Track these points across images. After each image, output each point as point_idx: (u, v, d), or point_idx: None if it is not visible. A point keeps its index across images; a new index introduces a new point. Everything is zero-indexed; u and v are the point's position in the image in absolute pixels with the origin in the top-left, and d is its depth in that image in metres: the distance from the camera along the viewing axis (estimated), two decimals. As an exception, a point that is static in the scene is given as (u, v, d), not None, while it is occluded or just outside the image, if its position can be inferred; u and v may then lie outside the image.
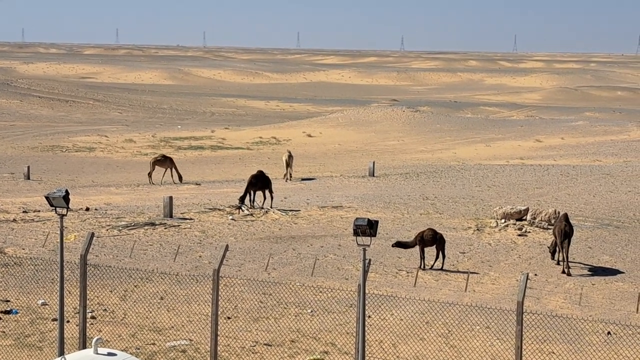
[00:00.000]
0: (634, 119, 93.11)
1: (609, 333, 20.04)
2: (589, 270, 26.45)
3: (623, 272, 26.24)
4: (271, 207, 34.82)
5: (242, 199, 34.90)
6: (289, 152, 50.43)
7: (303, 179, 48.37)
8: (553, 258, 27.25)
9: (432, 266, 26.06)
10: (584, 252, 28.49)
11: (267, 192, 35.70)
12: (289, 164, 49.51)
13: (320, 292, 22.57)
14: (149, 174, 46.67)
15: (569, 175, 48.35)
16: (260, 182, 35.72)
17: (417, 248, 26.32)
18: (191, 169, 54.41)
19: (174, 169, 47.41)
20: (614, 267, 26.85)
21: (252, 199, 35.36)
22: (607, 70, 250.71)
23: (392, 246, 26.65)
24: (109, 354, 11.09)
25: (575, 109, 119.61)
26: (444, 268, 26.00)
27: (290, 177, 49.42)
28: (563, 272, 26.05)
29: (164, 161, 47.86)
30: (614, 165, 53.81)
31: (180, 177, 46.94)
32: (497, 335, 19.70)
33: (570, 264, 26.43)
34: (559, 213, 30.99)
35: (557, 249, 26.95)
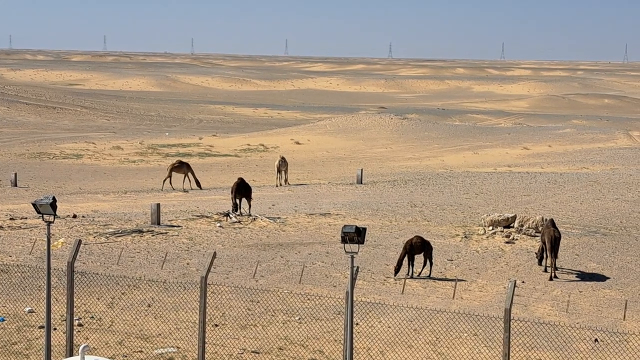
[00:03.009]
0: (621, 126, 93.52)
1: (596, 340, 20.08)
2: (576, 277, 26.51)
3: (610, 280, 26.32)
4: (250, 214, 34.74)
5: (235, 208, 34.98)
6: (282, 158, 50.65)
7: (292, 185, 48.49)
8: (540, 264, 27.35)
9: (420, 273, 26.08)
10: (571, 259, 28.55)
11: (245, 199, 35.67)
12: (280, 170, 49.71)
13: (308, 299, 22.57)
14: (165, 180, 46.67)
15: (556, 182, 48.48)
16: (242, 189, 35.68)
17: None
18: (178, 176, 54.30)
19: (190, 175, 47.33)
20: (601, 274, 26.92)
21: (237, 206, 35.34)
22: (594, 78, 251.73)
23: (395, 274, 25.64)
24: (96, 362, 11.05)
25: (563, 116, 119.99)
26: (431, 275, 26.03)
27: (286, 182, 49.64)
28: (551, 278, 26.20)
29: (181, 167, 47.71)
30: (601, 173, 53.99)
31: (198, 184, 46.77)
32: (485, 343, 19.73)
33: (557, 270, 26.58)
34: (546, 220, 31.09)
35: (545, 255, 27.05)
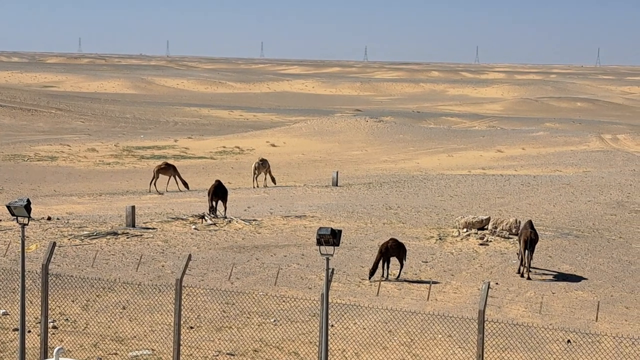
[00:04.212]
0: (594, 129, 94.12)
1: (569, 341, 20.18)
2: (549, 279, 26.64)
3: (583, 281, 26.47)
4: (225, 217, 34.70)
5: (211, 210, 34.95)
6: (261, 160, 50.77)
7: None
8: (519, 271, 27.34)
9: (398, 276, 26.09)
10: (544, 261, 28.70)
11: (221, 202, 35.62)
12: (257, 172, 49.80)
13: (284, 301, 22.55)
14: (151, 182, 46.58)
15: (529, 185, 48.71)
16: (219, 192, 35.63)
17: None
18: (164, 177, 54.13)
19: (177, 177, 47.26)
20: (574, 276, 27.06)
21: (213, 208, 35.29)
22: (567, 81, 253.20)
23: (370, 277, 25.62)
24: (71, 364, 11.00)
25: (536, 119, 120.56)
26: (400, 277, 25.95)
27: (273, 181, 49.75)
28: (522, 276, 26.41)
29: (167, 169, 47.62)
30: (573, 176, 54.30)
31: (185, 184, 46.63)
32: (459, 344, 19.78)
33: (530, 271, 26.73)
34: (519, 222, 31.25)
35: (519, 253, 27.20)
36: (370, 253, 28.09)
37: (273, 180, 50.26)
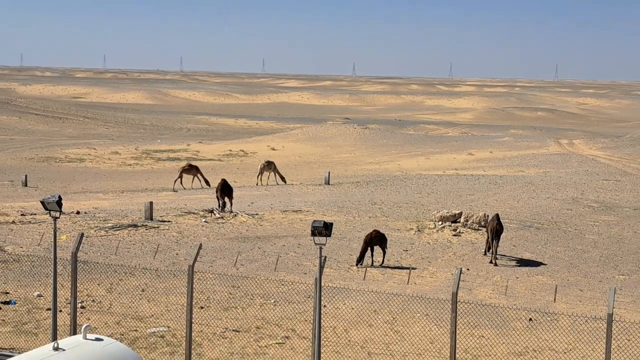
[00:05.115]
0: (552, 135, 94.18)
1: (530, 319, 20.23)
2: (513, 265, 26.70)
3: (542, 267, 26.54)
4: (231, 211, 34.67)
5: (221, 206, 34.97)
6: (266, 162, 50.88)
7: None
8: (486, 254, 27.51)
9: (382, 262, 26.13)
10: (509, 249, 28.76)
11: (227, 198, 35.62)
12: (261, 172, 49.90)
13: (282, 285, 22.57)
14: (176, 181, 46.68)
15: (496, 183, 48.75)
16: (225, 189, 35.63)
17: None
18: (169, 178, 54.10)
19: (200, 175, 47.21)
20: (535, 262, 27.13)
21: (222, 204, 35.27)
22: (529, 93, 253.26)
23: (357, 264, 25.64)
24: (97, 339, 10.99)
25: (502, 127, 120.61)
26: (384, 263, 26.04)
27: (284, 180, 49.80)
28: (491, 262, 26.51)
29: (190, 169, 47.64)
30: (535, 175, 54.36)
31: (207, 182, 46.57)
32: (435, 322, 19.82)
33: (497, 258, 26.82)
34: (488, 216, 31.30)
35: (488, 243, 27.31)
36: (357, 243, 28.12)
37: (283, 179, 50.09)
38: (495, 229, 26.89)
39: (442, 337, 18.62)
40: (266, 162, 50.86)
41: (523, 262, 27.09)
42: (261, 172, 49.99)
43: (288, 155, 72.07)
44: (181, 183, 46.69)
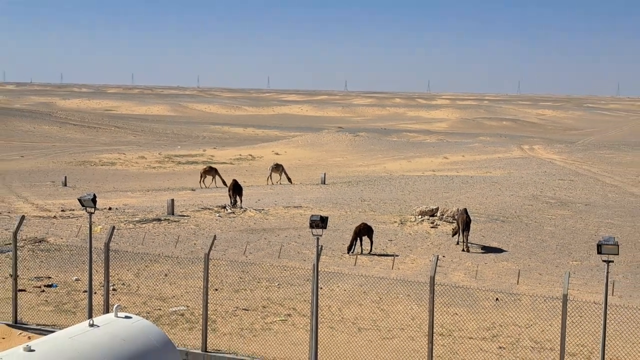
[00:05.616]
0: (515, 142, 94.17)
1: (497, 299, 20.26)
2: (482, 253, 26.72)
3: (507, 254, 26.56)
4: (241, 207, 34.65)
5: (232, 203, 35.02)
6: (275, 164, 50.94)
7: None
8: (453, 236, 27.81)
9: (370, 251, 26.14)
10: (478, 239, 28.77)
11: (238, 196, 35.62)
12: (272, 173, 50.04)
13: (285, 270, 22.58)
14: (200, 181, 47.05)
15: (468, 183, 48.77)
16: (236, 188, 35.65)
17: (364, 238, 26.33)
18: (188, 178, 54.08)
19: (218, 177, 47.38)
20: (500, 250, 27.15)
21: (233, 201, 35.29)
22: (495, 106, 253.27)
23: (348, 252, 25.61)
24: (126, 317, 10.99)
25: (473, 134, 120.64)
26: (372, 252, 26.07)
27: (290, 180, 49.73)
28: (463, 250, 26.58)
29: (210, 171, 48.02)
30: (500, 176, 54.38)
31: (224, 182, 46.50)
32: (416, 301, 19.83)
33: (469, 246, 26.84)
34: (460, 209, 31.33)
35: (459, 233, 27.41)
36: (349, 234, 28.13)
37: (289, 179, 50.02)
38: (465, 221, 26.95)
39: (422, 314, 18.65)
40: (275, 165, 50.85)
41: (490, 250, 27.12)
42: (271, 174, 50.00)
43: (289, 159, 72.03)
44: (204, 182, 46.97)
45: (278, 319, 18.28)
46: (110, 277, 17.60)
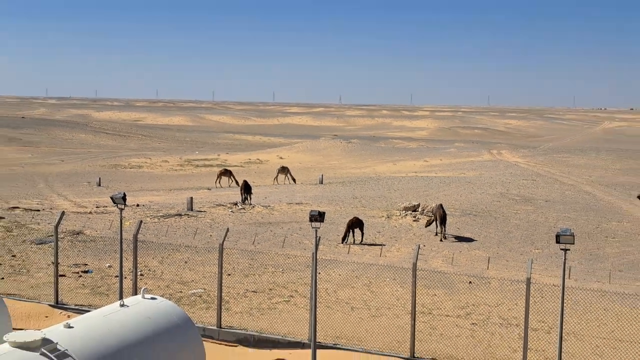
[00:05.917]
0: (485, 147, 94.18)
1: (470, 282, 20.28)
2: (457, 242, 26.73)
3: (478, 244, 26.57)
4: (251, 204, 34.62)
5: (243, 200, 35.01)
6: (281, 167, 50.95)
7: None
8: (426, 227, 27.94)
9: (361, 241, 26.14)
10: (454, 231, 28.78)
11: (247, 194, 35.57)
12: (279, 174, 50.02)
13: (288, 258, 22.58)
14: (216, 181, 46.98)
15: (444, 183, 48.77)
16: (246, 187, 35.63)
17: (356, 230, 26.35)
18: (204, 179, 54.03)
19: (232, 177, 47.36)
20: (473, 240, 27.16)
21: (244, 198, 35.26)
22: (469, 116, 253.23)
23: (342, 242, 25.50)
24: (152, 298, 11.01)
25: (449, 141, 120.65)
26: (363, 242, 26.07)
27: (294, 180, 49.66)
28: (441, 240, 26.59)
29: (225, 173, 47.98)
30: (472, 177, 54.40)
31: (237, 182, 46.39)
32: (401, 284, 19.85)
33: (446, 236, 26.83)
34: (436, 205, 31.37)
35: (436, 225, 27.48)
36: (343, 226, 28.13)
37: (294, 180, 49.98)
38: (442, 215, 26.96)
39: (406, 295, 18.67)
40: (281, 167, 50.83)
41: (464, 240, 27.14)
42: (277, 175, 49.99)
43: (292, 162, 71.98)
44: (220, 183, 46.92)
45: (282, 299, 18.29)
46: (138, 264, 17.60)
